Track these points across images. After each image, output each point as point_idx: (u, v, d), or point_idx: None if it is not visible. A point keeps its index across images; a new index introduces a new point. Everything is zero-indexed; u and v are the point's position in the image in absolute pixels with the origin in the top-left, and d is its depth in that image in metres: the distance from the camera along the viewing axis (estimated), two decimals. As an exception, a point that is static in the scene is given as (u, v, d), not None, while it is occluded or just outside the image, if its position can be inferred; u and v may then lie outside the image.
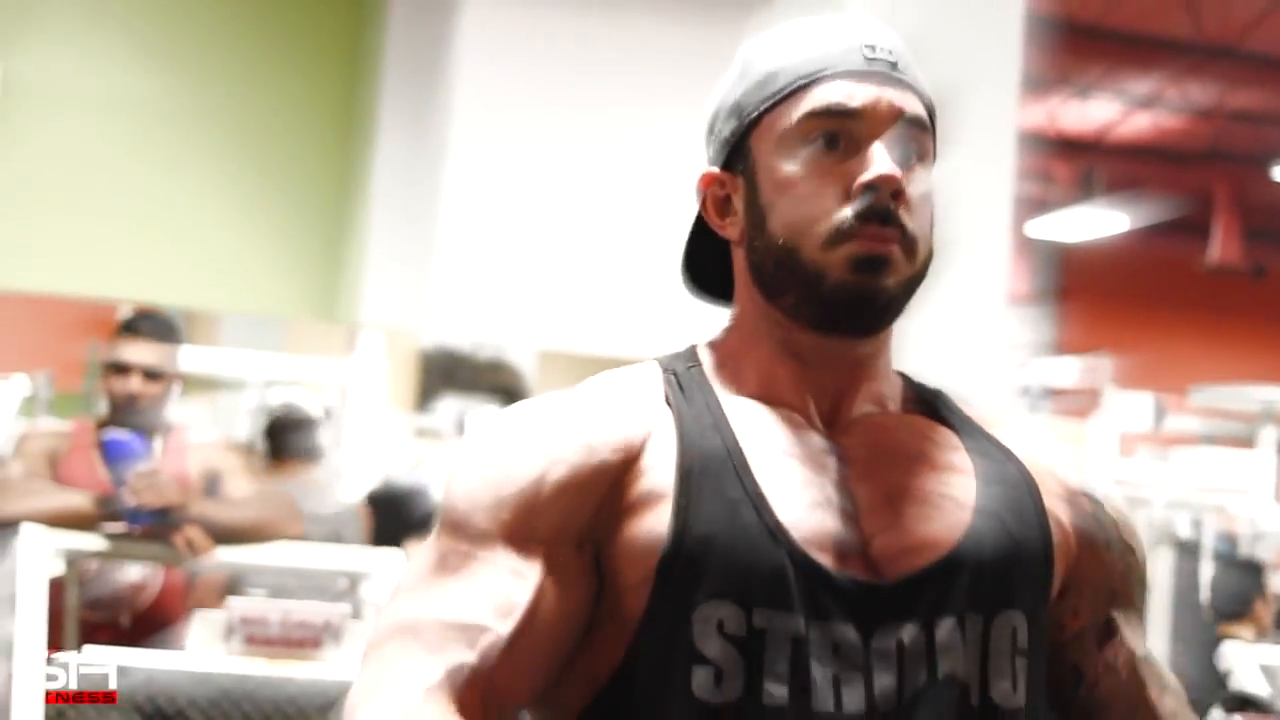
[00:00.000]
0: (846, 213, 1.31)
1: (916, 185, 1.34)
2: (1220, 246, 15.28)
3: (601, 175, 6.92)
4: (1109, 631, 1.43)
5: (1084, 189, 14.60)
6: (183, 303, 8.07)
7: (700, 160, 1.45)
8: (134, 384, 3.82)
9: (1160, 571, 6.28)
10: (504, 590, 1.27)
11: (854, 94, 1.33)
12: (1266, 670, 4.31)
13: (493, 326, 7.13)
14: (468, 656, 1.24)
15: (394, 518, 5.41)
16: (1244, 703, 4.21)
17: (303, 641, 3.24)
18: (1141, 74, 12.57)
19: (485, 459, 1.34)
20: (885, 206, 1.30)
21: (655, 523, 1.28)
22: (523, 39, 6.96)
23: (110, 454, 3.55)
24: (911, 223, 1.32)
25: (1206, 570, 6.29)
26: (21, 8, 7.97)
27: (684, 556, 1.27)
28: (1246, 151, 13.92)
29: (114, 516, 3.48)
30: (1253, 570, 6.33)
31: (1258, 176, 14.25)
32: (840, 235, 1.31)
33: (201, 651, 3.24)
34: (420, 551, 1.34)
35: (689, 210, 1.49)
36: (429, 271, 7.12)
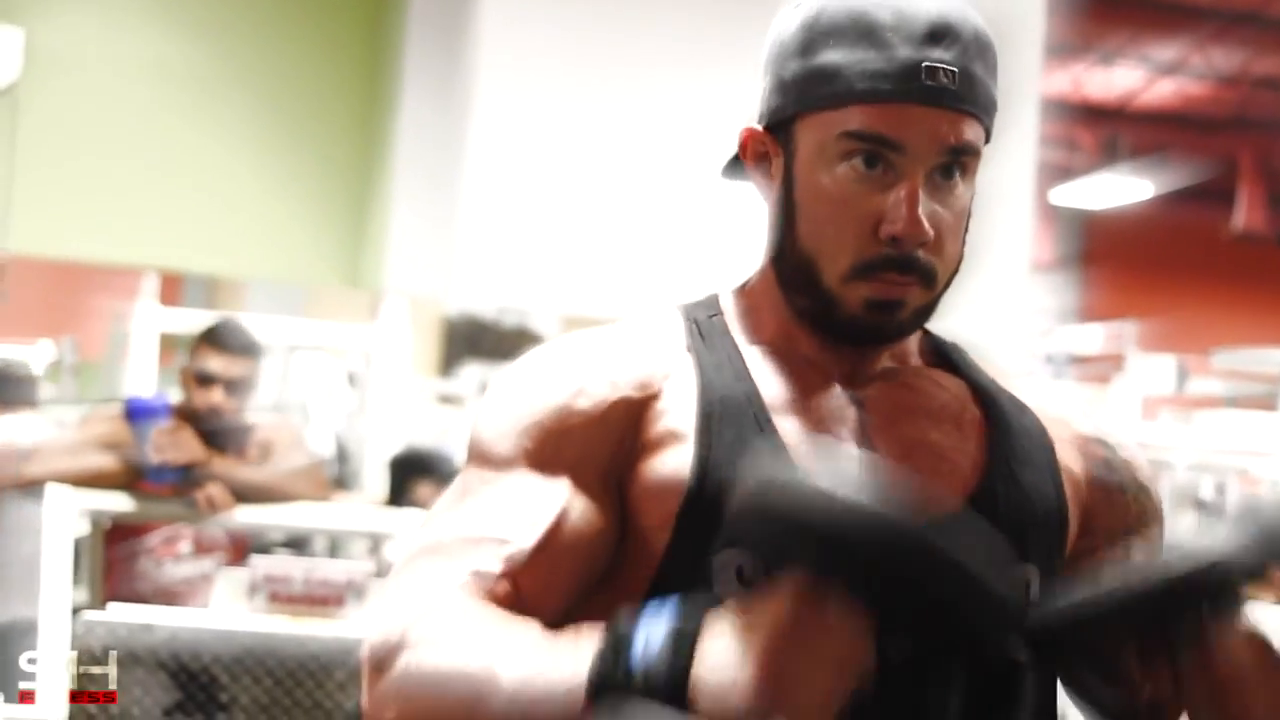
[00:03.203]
0: (868, 256, 1.30)
1: (954, 203, 1.33)
2: (1245, 213, 15.21)
3: (627, 140, 6.92)
4: None
5: (1108, 156, 14.55)
6: (207, 269, 8.10)
7: (741, 93, 1.42)
8: (216, 396, 3.83)
9: (1183, 535, 6.25)
10: (527, 506, 1.29)
11: (903, 125, 1.29)
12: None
13: (517, 293, 7.14)
14: (492, 565, 1.26)
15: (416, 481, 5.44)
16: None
17: (326, 599, 3.26)
18: (1166, 40, 12.51)
19: (510, 392, 1.37)
20: (908, 256, 1.30)
21: (677, 464, 1.30)
22: (546, 4, 6.96)
23: (133, 414, 3.58)
24: (937, 261, 1.32)
25: (1228, 534, 6.27)
26: (43, -25, 8.00)
27: (704, 501, 1.28)
28: (1271, 118, 13.84)
29: (140, 476, 3.52)
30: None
31: (1283, 143, 14.20)
32: (859, 274, 1.31)
33: (226, 609, 3.27)
34: (449, 488, 1.36)
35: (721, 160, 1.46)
36: (453, 238, 7.13)
